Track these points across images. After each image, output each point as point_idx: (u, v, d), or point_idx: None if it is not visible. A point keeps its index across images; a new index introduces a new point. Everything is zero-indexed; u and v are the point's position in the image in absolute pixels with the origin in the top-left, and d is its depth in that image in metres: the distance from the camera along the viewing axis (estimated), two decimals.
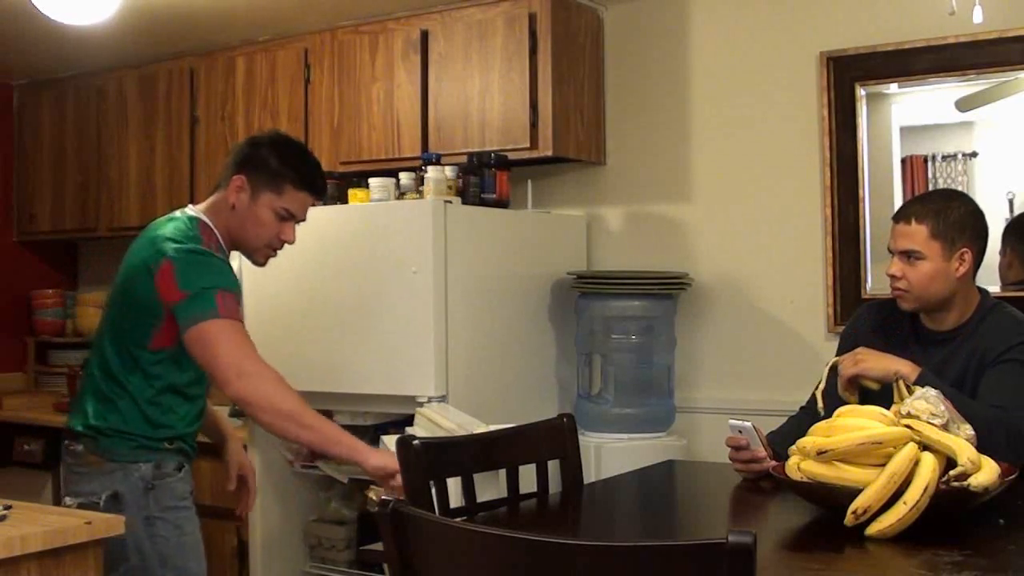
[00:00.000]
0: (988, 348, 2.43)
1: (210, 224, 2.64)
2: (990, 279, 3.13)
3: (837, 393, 2.43)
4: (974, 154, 3.43)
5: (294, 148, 2.74)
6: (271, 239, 2.69)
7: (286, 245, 2.74)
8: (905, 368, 2.34)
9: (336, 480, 3.65)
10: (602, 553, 1.29)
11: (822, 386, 2.43)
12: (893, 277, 2.51)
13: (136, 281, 2.55)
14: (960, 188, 3.39)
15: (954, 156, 3.44)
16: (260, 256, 2.73)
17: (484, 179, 3.50)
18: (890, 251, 2.55)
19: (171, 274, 2.49)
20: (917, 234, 2.47)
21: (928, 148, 3.47)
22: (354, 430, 3.62)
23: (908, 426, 1.98)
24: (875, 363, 2.39)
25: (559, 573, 1.30)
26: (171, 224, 2.61)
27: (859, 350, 2.44)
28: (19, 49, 4.52)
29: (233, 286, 2.56)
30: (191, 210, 2.68)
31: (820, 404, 2.37)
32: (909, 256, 2.48)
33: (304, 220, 2.73)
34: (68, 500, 2.58)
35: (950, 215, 2.47)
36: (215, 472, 3.69)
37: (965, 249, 2.46)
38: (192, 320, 2.48)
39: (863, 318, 2.70)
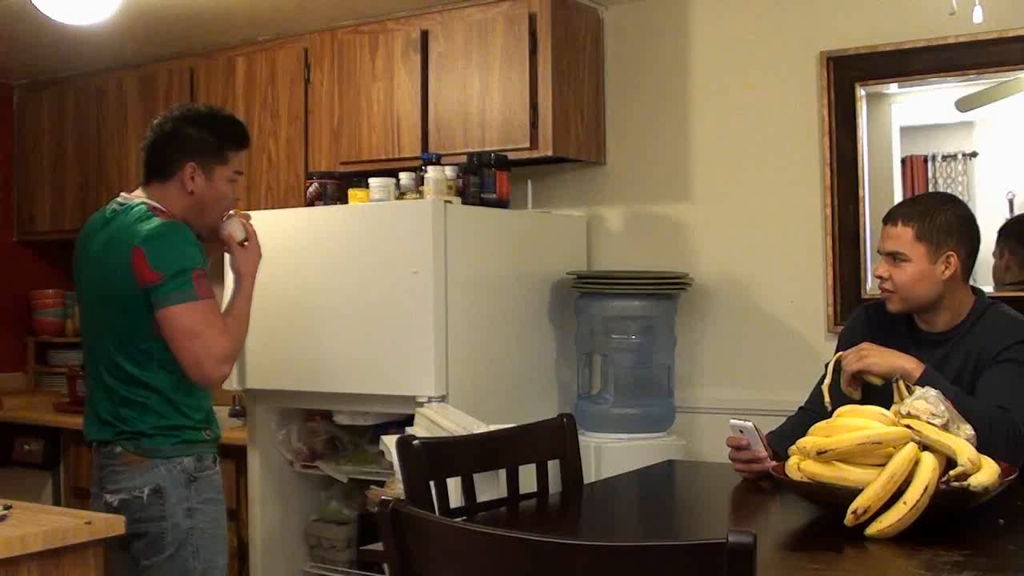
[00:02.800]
0: (984, 348, 2.43)
1: (159, 207, 2.65)
2: (984, 280, 3.13)
3: (840, 389, 2.43)
4: (974, 154, 3.43)
5: (215, 115, 2.79)
6: (228, 205, 2.77)
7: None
8: (909, 364, 2.34)
9: (336, 480, 3.65)
10: (602, 553, 1.29)
11: (827, 382, 2.43)
12: (880, 278, 2.53)
13: (117, 280, 2.57)
14: (960, 188, 3.40)
15: (954, 156, 3.44)
16: (214, 225, 2.79)
17: (484, 179, 3.50)
18: (879, 252, 2.57)
19: (143, 257, 2.52)
20: (903, 236, 2.48)
21: (928, 148, 3.47)
22: (354, 430, 3.65)
23: (908, 426, 1.98)
24: (879, 359, 2.39)
25: (559, 573, 1.30)
26: (121, 219, 2.64)
27: (863, 345, 2.44)
28: (19, 49, 4.52)
29: (202, 263, 2.59)
30: (131, 199, 2.69)
31: (827, 399, 2.37)
32: (895, 257, 2.49)
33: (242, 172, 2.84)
34: (108, 497, 2.59)
35: (936, 218, 2.47)
36: None
37: (951, 253, 2.47)
38: (170, 301, 2.51)
39: (860, 319, 2.70)
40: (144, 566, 2.56)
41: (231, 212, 2.79)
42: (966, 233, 2.51)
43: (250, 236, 2.78)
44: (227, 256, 2.89)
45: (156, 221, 2.58)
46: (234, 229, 2.76)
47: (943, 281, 2.47)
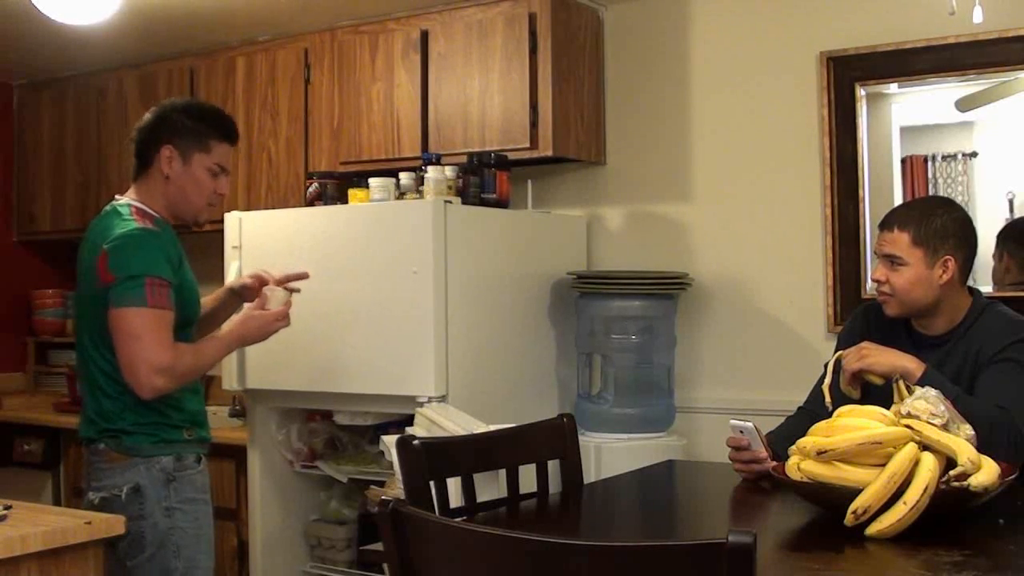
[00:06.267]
0: (982, 349, 2.43)
1: (142, 206, 2.68)
2: (984, 281, 3.13)
3: (840, 389, 2.43)
4: (974, 154, 3.43)
5: (201, 105, 2.83)
6: (209, 196, 2.76)
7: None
8: (910, 364, 2.34)
9: (336, 480, 3.65)
10: (602, 553, 1.29)
11: (827, 381, 2.43)
12: (878, 282, 2.53)
13: (90, 282, 2.61)
14: (960, 188, 3.40)
15: (954, 156, 3.44)
16: (204, 215, 2.80)
17: (484, 179, 3.50)
18: (875, 254, 2.57)
19: (105, 260, 2.55)
20: (899, 241, 2.48)
21: (928, 148, 3.47)
22: (354, 430, 3.65)
23: (908, 426, 1.98)
24: (880, 358, 2.39)
25: (559, 573, 1.30)
26: (106, 220, 2.67)
27: (863, 345, 2.43)
28: (19, 49, 4.52)
29: (164, 272, 2.58)
30: (121, 199, 2.73)
31: (828, 399, 2.37)
32: (892, 261, 2.49)
33: (229, 171, 2.82)
34: (91, 495, 2.61)
35: (932, 223, 2.47)
36: (213, 472, 3.69)
37: (948, 257, 2.46)
38: (118, 303, 2.52)
39: (860, 319, 2.70)
40: (128, 567, 2.56)
41: (284, 291, 2.83)
42: (963, 237, 2.50)
43: (278, 318, 2.80)
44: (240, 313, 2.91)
45: (131, 225, 2.60)
46: (277, 299, 2.82)
47: (940, 286, 2.47)
